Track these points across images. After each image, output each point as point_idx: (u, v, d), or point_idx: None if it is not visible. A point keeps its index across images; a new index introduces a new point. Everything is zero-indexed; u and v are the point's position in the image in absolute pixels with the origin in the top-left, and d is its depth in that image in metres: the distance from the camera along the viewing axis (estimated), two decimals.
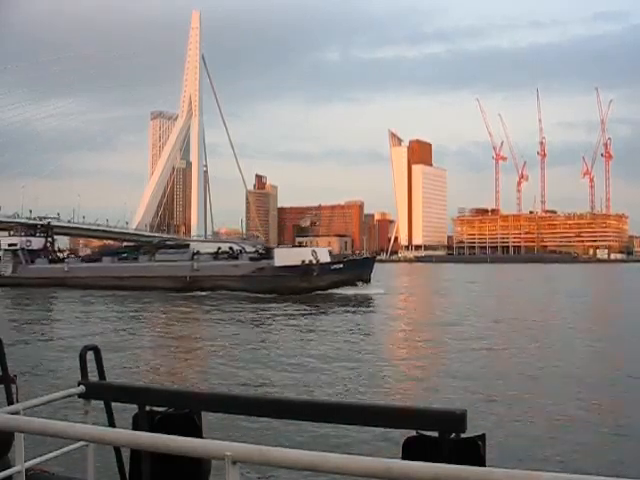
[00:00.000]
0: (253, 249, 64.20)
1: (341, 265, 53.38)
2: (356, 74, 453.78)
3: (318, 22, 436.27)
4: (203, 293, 48.58)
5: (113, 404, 3.87)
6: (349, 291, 48.48)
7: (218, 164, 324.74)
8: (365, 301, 44.35)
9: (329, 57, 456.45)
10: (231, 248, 62.31)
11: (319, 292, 47.70)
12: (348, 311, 37.40)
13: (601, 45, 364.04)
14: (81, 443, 3.28)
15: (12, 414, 3.12)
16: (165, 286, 51.78)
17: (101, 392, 3.78)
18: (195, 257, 57.03)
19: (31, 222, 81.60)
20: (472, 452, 2.92)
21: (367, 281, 51.68)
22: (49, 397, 3.62)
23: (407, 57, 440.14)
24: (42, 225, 75.25)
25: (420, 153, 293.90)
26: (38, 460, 3.50)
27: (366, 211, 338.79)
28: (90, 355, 3.89)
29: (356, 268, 52.69)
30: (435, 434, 2.96)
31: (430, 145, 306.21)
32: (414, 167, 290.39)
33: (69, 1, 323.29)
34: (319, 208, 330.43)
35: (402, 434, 3.07)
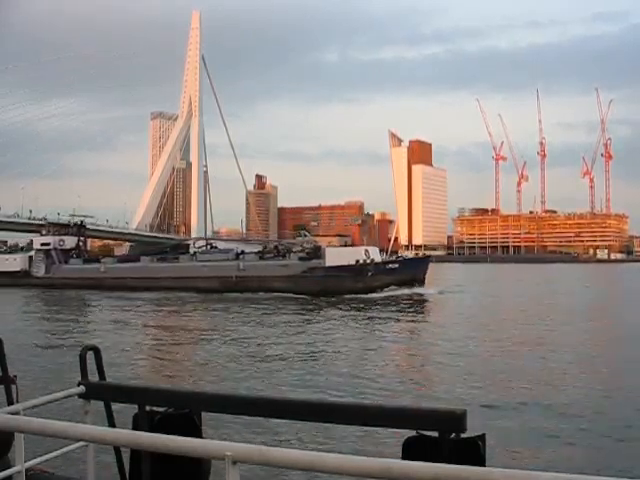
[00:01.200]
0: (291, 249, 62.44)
1: (397, 265, 50.88)
2: (356, 74, 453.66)
3: (318, 22, 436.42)
4: (250, 294, 46.13)
5: (113, 404, 3.87)
6: (404, 291, 46.31)
7: (218, 164, 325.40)
8: (424, 302, 42.48)
9: (329, 57, 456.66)
10: (276, 247, 60.23)
11: (374, 293, 45.47)
12: (410, 314, 35.45)
13: (600, 45, 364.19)
14: (81, 443, 3.28)
15: (12, 414, 3.12)
16: (209, 287, 49.73)
17: (101, 392, 3.78)
18: (241, 257, 55.13)
19: (61, 222, 78.30)
20: (472, 452, 2.92)
21: (421, 281, 49.49)
22: (49, 397, 3.62)
23: (406, 57, 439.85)
24: (75, 224, 72.69)
25: (420, 153, 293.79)
26: (38, 460, 3.51)
27: (366, 211, 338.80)
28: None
29: (411, 268, 50.37)
30: (435, 434, 2.96)
31: (430, 145, 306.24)
32: (414, 167, 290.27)
33: (69, 1, 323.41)
34: (319, 208, 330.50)
35: (402, 434, 3.07)
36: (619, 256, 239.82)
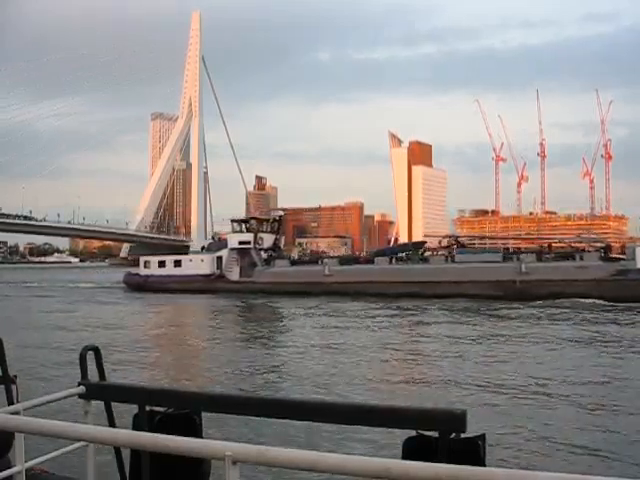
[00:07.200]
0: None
1: None
2: (352, 74, 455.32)
3: (314, 21, 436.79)
4: (540, 302, 38.90)
5: (113, 404, 3.87)
6: None
7: (218, 165, 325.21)
8: None
9: (326, 57, 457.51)
10: (549, 246, 52.58)
11: None
12: None
13: (595, 46, 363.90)
14: (81, 443, 3.29)
15: (12, 414, 3.13)
16: (481, 293, 42.74)
17: (101, 392, 3.77)
18: (519, 258, 47.88)
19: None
20: (472, 452, 2.92)
21: None
22: (49, 397, 3.62)
23: (402, 57, 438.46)
24: (273, 219, 63.38)
25: (420, 154, 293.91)
26: (38, 460, 3.51)
27: (366, 212, 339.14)
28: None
29: None
30: (435, 434, 2.96)
31: (430, 146, 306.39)
32: (414, 168, 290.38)
33: (68, 1, 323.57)
34: (319, 209, 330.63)
35: (402, 434, 3.07)
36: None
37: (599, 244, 52.67)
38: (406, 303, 39.43)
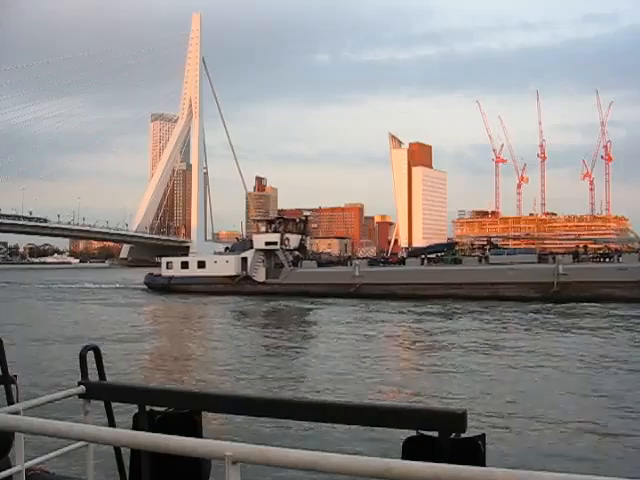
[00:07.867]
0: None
1: None
2: (354, 76, 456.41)
3: (312, 24, 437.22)
4: (574, 304, 37.87)
5: (113, 404, 3.87)
6: None
7: (218, 166, 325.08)
8: None
9: (324, 59, 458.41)
10: (585, 247, 51.55)
11: None
12: None
13: (594, 47, 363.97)
14: (81, 443, 3.28)
15: (12, 414, 3.12)
16: (515, 295, 41.75)
17: (101, 392, 3.77)
18: (555, 259, 46.72)
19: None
20: (472, 452, 2.92)
21: None
22: (49, 397, 3.62)
23: (399, 59, 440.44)
24: (299, 219, 61.83)
25: (420, 155, 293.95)
26: (38, 460, 3.51)
27: (366, 213, 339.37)
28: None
29: None
30: (435, 434, 2.96)
31: (430, 147, 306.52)
32: (414, 169, 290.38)
33: (68, 2, 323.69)
34: (319, 210, 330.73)
35: (402, 434, 3.07)
36: None
37: (637, 244, 51.23)
38: (439, 306, 38.49)
